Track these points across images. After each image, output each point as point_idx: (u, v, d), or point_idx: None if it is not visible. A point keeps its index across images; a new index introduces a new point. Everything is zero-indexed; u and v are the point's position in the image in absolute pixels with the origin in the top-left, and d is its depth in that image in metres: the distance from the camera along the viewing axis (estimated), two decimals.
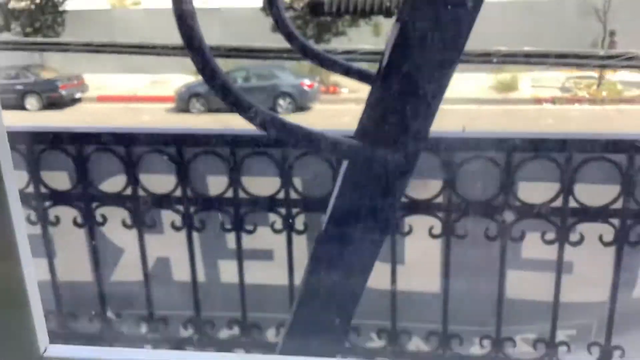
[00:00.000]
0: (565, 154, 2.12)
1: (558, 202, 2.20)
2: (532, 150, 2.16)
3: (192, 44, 1.31)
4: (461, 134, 2.29)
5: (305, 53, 2.09)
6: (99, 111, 18.00)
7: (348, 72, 2.13)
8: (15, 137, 2.40)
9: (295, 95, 15.75)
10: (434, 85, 1.61)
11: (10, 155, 0.62)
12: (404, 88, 1.61)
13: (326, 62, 2.15)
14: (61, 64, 18.23)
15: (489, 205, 2.25)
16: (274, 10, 2.01)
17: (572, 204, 2.19)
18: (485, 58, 2.79)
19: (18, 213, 0.63)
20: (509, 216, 2.24)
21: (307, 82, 15.74)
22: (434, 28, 1.59)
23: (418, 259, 2.41)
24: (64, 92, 18.19)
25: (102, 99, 19.08)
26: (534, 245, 2.25)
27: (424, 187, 2.22)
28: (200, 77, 1.41)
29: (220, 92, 1.38)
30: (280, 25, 2.00)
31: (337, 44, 16.93)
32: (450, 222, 2.30)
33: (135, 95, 19.18)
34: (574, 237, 2.23)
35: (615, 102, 18.00)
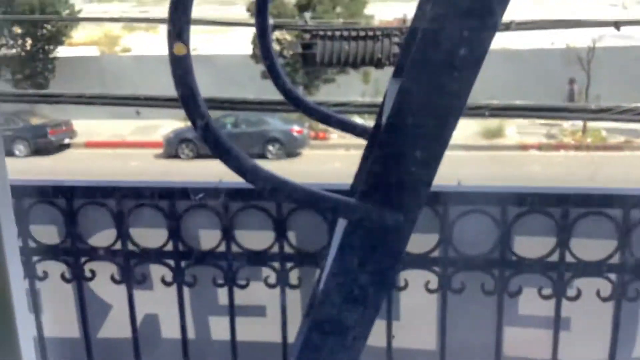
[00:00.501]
0: (561, 209, 2.12)
1: (554, 257, 2.18)
2: (528, 205, 2.15)
3: (186, 99, 1.30)
4: (457, 188, 2.28)
5: (300, 107, 2.10)
6: (87, 157, 17.97)
7: (343, 126, 2.13)
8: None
9: (284, 141, 15.83)
10: (436, 142, 1.60)
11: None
12: (406, 145, 1.60)
13: (322, 116, 2.15)
14: (50, 110, 18.28)
15: (486, 260, 2.23)
16: (269, 63, 2.01)
17: (569, 258, 2.17)
18: (477, 111, 2.82)
19: (17, 268, 0.60)
20: (505, 271, 2.22)
21: (296, 127, 15.84)
22: (437, 85, 1.59)
23: (414, 315, 2.36)
24: (52, 138, 18.20)
25: (90, 144, 19.09)
26: (532, 300, 2.22)
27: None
28: (188, 123, 1.40)
29: (215, 151, 1.37)
30: (276, 81, 2.00)
31: (326, 91, 17.15)
32: (446, 276, 2.27)
33: (124, 141, 19.22)
34: (571, 292, 2.20)
35: (600, 149, 18.26)
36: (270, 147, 15.86)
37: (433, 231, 2.23)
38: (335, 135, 15.84)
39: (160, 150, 17.84)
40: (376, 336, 2.21)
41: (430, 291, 2.28)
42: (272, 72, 1.96)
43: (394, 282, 2.21)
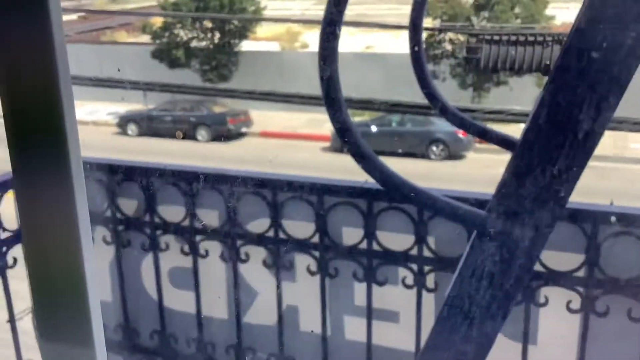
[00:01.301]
0: None
1: None
2: None
3: (329, 100, 1.41)
4: (608, 207, 2.18)
5: (446, 114, 2.13)
6: (261, 146, 19.04)
7: (488, 136, 2.13)
8: (177, 175, 2.67)
9: (448, 142, 15.59)
10: (575, 158, 1.57)
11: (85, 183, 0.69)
12: (542, 160, 1.59)
13: (465, 124, 2.16)
14: (232, 100, 19.57)
15: (635, 285, 2.11)
16: (417, 68, 2.07)
17: None
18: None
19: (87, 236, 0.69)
20: None
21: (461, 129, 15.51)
22: (585, 96, 1.56)
23: (552, 334, 2.30)
24: (231, 126, 19.49)
25: (264, 134, 20.17)
26: None
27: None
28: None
29: (348, 146, 1.47)
30: (422, 84, 2.05)
31: (497, 94, 16.59)
32: (590, 297, 2.18)
33: (295, 133, 20.05)
34: None
35: None
36: (434, 148, 15.70)
37: (579, 250, 2.16)
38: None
39: (327, 144, 18.41)
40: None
41: (571, 311, 2.21)
42: (421, 81, 2.02)
43: (524, 297, 2.17)
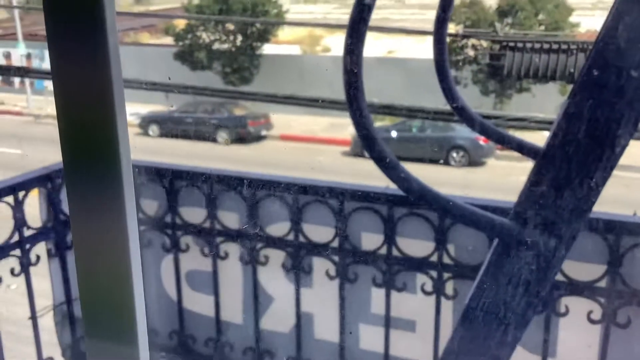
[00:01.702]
0: None
1: None
2: None
3: (352, 104, 1.42)
4: (632, 218, 2.16)
5: (467, 120, 2.12)
6: (281, 149, 19.09)
7: (509, 143, 2.12)
8: (195, 177, 2.69)
9: (469, 149, 15.50)
10: (599, 169, 1.56)
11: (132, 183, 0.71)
12: (565, 170, 1.58)
13: (487, 131, 2.15)
14: (252, 103, 19.66)
15: None
16: (444, 82, 2.07)
17: None
18: None
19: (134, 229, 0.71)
20: None
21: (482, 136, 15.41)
22: (605, 109, 1.56)
23: (572, 344, 2.28)
24: (251, 129, 19.57)
25: (284, 137, 20.21)
26: None
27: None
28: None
29: (370, 152, 1.47)
30: (448, 97, 2.05)
31: (519, 100, 16.47)
32: (611, 308, 2.16)
33: (314, 137, 20.08)
34: None
35: None
36: (454, 154, 15.62)
37: (601, 261, 2.14)
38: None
39: (347, 148, 18.41)
40: None
41: (592, 322, 2.19)
42: (444, 88, 2.02)
43: (545, 307, 2.16)
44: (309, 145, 19.07)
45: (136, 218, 0.76)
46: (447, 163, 15.56)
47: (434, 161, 15.71)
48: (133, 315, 0.77)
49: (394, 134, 16.13)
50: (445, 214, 1.99)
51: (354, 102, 1.52)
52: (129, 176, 0.75)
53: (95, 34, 0.68)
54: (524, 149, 2.07)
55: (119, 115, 0.74)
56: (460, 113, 2.01)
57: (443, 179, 14.80)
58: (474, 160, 15.30)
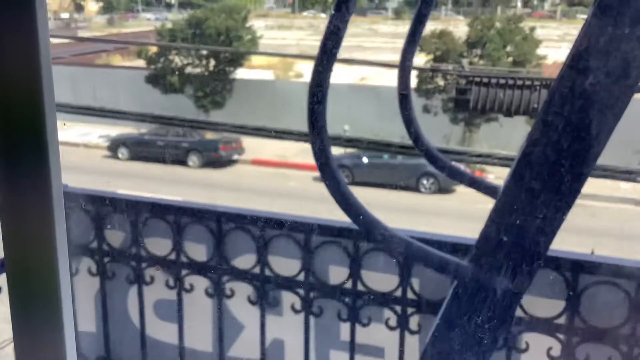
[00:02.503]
0: None
1: None
2: None
3: (314, 135, 1.44)
4: (589, 257, 2.21)
5: (432, 160, 2.16)
6: (252, 174, 19.06)
7: (472, 183, 2.17)
8: (161, 210, 2.68)
9: (439, 176, 15.67)
10: (554, 213, 1.60)
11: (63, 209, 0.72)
12: (522, 213, 1.62)
13: (451, 171, 2.20)
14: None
15: (614, 334, 2.13)
16: (405, 115, 2.11)
17: None
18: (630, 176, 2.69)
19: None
20: (635, 348, 2.11)
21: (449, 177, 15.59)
22: (568, 147, 1.60)
23: None
24: (223, 153, 19.54)
25: (256, 162, 20.20)
26: None
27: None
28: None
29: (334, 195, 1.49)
30: (409, 130, 2.09)
31: (487, 130, 16.77)
32: (571, 345, 2.20)
33: (286, 162, 20.09)
34: None
35: None
36: (425, 181, 15.78)
37: (560, 297, 2.18)
38: (493, 176, 15.43)
39: (319, 174, 18.46)
40: None
41: (552, 358, 2.22)
42: (407, 125, 2.05)
43: (505, 343, 2.19)
44: (280, 170, 19.09)
45: (66, 247, 0.77)
46: (417, 190, 15.71)
47: (404, 187, 15.84)
48: (63, 344, 0.78)
49: (365, 159, 16.25)
50: (401, 252, 2.01)
51: (315, 134, 1.54)
52: (60, 205, 0.75)
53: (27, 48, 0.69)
54: (486, 189, 2.12)
55: (51, 141, 0.75)
56: (429, 157, 2.04)
57: (412, 206, 14.91)
58: (443, 187, 15.46)
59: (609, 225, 13.09)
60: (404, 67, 2.03)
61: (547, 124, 1.62)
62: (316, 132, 1.50)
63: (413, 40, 1.92)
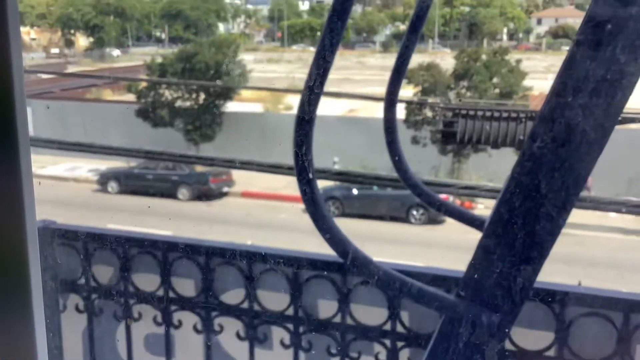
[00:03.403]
0: None
1: None
2: None
3: (300, 170, 1.45)
4: (577, 288, 2.22)
5: (419, 194, 2.18)
6: (242, 206, 19.03)
7: (459, 217, 2.18)
8: (149, 245, 2.67)
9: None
10: (538, 248, 1.62)
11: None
12: (506, 250, 1.63)
13: (437, 205, 2.21)
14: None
15: None
16: (392, 150, 2.13)
17: None
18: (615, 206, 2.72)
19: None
20: None
21: (442, 194, 15.69)
22: (553, 181, 1.61)
23: None
24: (213, 186, 19.52)
25: (246, 194, 20.19)
26: None
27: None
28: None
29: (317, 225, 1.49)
30: (396, 167, 2.11)
31: (475, 160, 16.91)
32: None
33: (276, 194, 20.10)
34: None
35: None
36: (414, 212, 15.83)
37: (549, 329, 2.18)
38: (482, 206, 15.49)
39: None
40: None
41: None
42: (393, 158, 2.07)
43: None
44: (270, 202, 19.08)
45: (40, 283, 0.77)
46: (407, 221, 15.74)
47: (394, 219, 15.87)
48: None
49: (355, 191, 16.30)
50: (384, 287, 2.01)
51: (301, 167, 1.54)
52: (34, 244, 0.75)
53: None
54: (474, 223, 2.13)
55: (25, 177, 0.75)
56: (418, 193, 2.05)
57: (402, 237, 14.91)
58: (433, 217, 15.51)
59: (598, 254, 13.15)
60: (389, 113, 2.05)
61: (530, 158, 1.64)
62: (302, 170, 1.51)
63: (398, 79, 1.95)
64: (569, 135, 1.54)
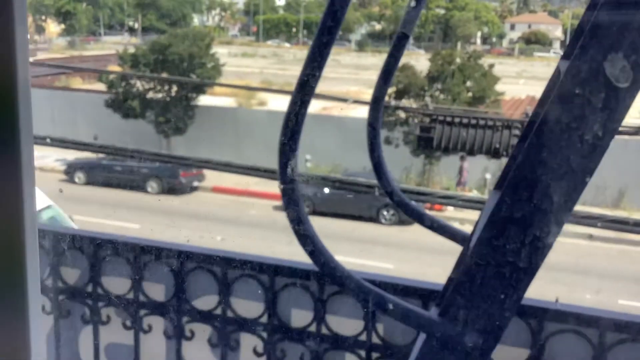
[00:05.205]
0: None
1: None
2: (630, 333, 2.05)
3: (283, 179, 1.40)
4: (553, 305, 2.22)
5: (403, 208, 2.14)
6: (212, 201, 18.88)
7: (442, 231, 2.16)
8: (122, 248, 2.60)
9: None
10: (525, 270, 1.59)
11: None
12: (490, 271, 1.60)
13: (420, 218, 2.19)
14: (186, 153, 19.49)
15: None
16: (375, 161, 2.09)
17: None
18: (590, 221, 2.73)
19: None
20: None
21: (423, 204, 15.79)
22: (539, 204, 1.59)
23: None
24: (183, 180, 19.33)
25: (217, 189, 20.04)
26: None
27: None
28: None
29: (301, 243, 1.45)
30: (381, 182, 2.07)
31: (447, 162, 17.05)
32: None
33: (247, 190, 20.00)
34: None
35: None
36: (385, 213, 15.88)
37: (525, 345, 2.18)
38: (452, 208, 15.63)
39: (279, 202, 18.41)
40: None
41: None
42: (375, 165, 2.04)
43: None
44: (241, 198, 18.97)
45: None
46: (377, 221, 15.79)
47: (364, 219, 15.91)
48: None
49: (326, 190, 16.29)
50: (358, 299, 1.96)
51: (282, 171, 1.49)
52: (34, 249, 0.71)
53: None
54: (455, 237, 2.11)
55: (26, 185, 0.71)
56: (399, 204, 2.02)
57: (372, 237, 14.96)
58: (403, 218, 15.58)
59: (564, 259, 13.36)
60: (374, 127, 2.02)
61: (519, 173, 1.62)
62: (284, 170, 1.46)
63: (385, 89, 1.92)
64: (561, 148, 1.52)
